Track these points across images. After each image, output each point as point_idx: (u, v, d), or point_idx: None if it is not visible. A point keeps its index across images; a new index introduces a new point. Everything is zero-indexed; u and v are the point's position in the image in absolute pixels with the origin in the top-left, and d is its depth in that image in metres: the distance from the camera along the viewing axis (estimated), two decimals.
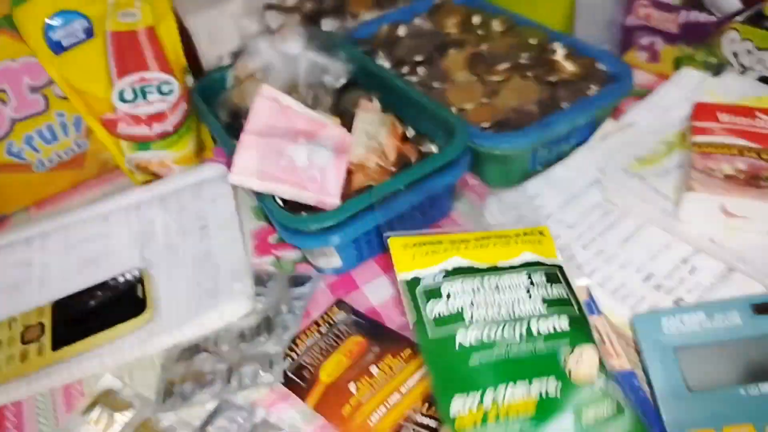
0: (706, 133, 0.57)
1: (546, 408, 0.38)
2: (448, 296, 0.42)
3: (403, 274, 0.43)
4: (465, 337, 0.40)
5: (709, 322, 0.43)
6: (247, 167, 0.53)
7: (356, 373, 0.48)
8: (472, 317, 0.40)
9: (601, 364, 0.41)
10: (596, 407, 0.39)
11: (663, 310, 0.45)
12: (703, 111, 0.59)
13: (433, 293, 0.42)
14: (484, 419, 0.37)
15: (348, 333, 0.52)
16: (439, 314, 0.41)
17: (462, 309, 0.40)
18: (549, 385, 0.39)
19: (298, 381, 0.49)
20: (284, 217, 0.52)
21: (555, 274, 0.46)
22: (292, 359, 0.51)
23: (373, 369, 0.48)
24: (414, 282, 0.42)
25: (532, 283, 0.44)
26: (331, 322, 0.53)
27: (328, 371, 0.49)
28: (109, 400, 0.51)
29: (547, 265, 0.46)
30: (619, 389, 0.41)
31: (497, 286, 0.43)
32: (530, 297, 0.43)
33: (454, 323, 0.40)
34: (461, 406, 0.37)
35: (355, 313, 0.54)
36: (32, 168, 0.71)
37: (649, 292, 0.50)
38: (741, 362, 0.42)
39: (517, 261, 0.45)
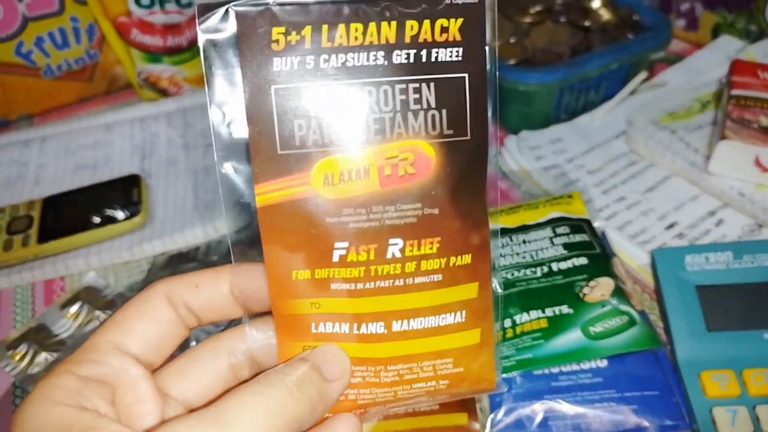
0: (744, 88, 0.54)
1: (557, 323, 0.39)
2: None
3: None
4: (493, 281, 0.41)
5: (737, 262, 0.40)
6: None
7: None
8: (500, 265, 0.43)
9: (617, 290, 0.40)
10: (606, 321, 0.39)
11: (687, 247, 0.42)
12: (742, 67, 0.56)
13: None
14: (503, 337, 0.39)
15: None
16: None
17: (492, 260, 0.42)
18: (562, 307, 0.40)
19: None
20: None
21: (580, 227, 0.46)
22: None
23: None
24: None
25: (555, 234, 0.45)
26: None
27: None
28: (90, 297, 0.49)
29: (572, 219, 0.46)
30: (635, 311, 0.38)
31: (524, 240, 0.45)
32: (553, 245, 0.44)
33: None
34: None
35: None
36: (40, 73, 0.68)
37: (671, 240, 0.47)
38: (767, 306, 0.39)
39: (543, 220, 0.47)
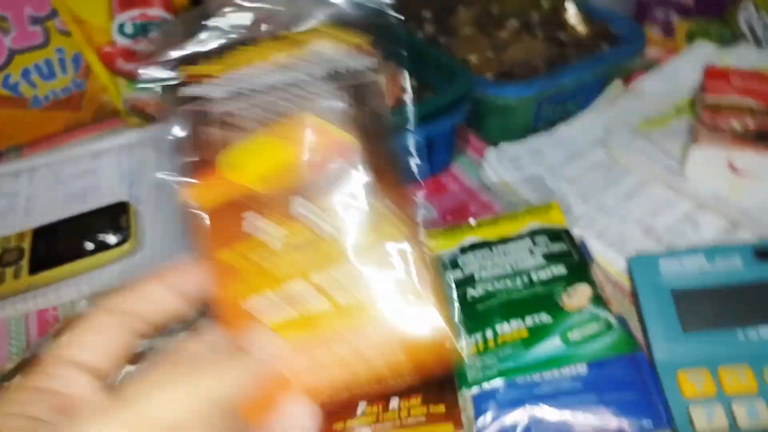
0: (717, 92, 0.55)
1: (537, 332, 0.40)
2: (463, 265, 0.46)
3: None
4: (474, 291, 0.44)
5: (710, 265, 0.41)
6: None
7: None
8: (480, 277, 0.45)
9: (595, 297, 0.41)
10: (584, 328, 0.40)
11: (662, 252, 0.43)
12: (715, 73, 0.57)
13: (451, 266, 0.47)
14: (485, 348, 0.40)
15: None
16: (456, 279, 0.46)
17: (473, 273, 0.45)
18: (542, 316, 0.41)
19: None
20: None
21: (559, 236, 0.47)
22: None
23: None
24: (436, 260, 0.47)
25: (534, 244, 0.46)
26: None
27: None
28: None
29: (551, 229, 0.47)
30: (612, 317, 0.40)
31: (504, 252, 0.46)
32: (532, 254, 0.45)
33: (467, 284, 0.45)
34: (465, 343, 0.41)
35: None
36: (28, 104, 0.69)
37: (649, 245, 0.48)
38: (740, 306, 0.40)
39: (523, 231, 0.48)
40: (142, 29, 0.64)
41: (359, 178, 0.27)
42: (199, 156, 0.27)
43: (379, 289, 0.26)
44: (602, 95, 0.62)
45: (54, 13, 0.64)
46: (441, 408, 0.37)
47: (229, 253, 0.26)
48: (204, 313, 0.27)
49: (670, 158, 0.54)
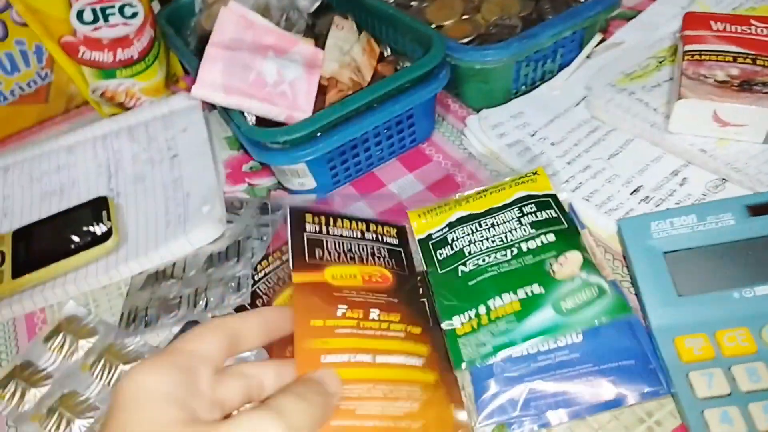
0: (697, 42, 0.54)
1: (530, 304, 0.40)
2: (452, 241, 0.46)
3: (419, 236, 0.48)
4: (465, 267, 0.44)
5: (701, 224, 0.41)
6: (212, 80, 0.50)
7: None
8: (470, 252, 0.45)
9: (586, 263, 0.41)
10: (576, 295, 0.39)
11: (651, 213, 0.43)
12: (694, 20, 0.56)
13: (441, 243, 0.47)
14: (479, 325, 0.40)
15: None
16: (446, 256, 0.46)
17: (462, 248, 0.45)
18: (534, 288, 0.41)
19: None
20: (252, 132, 0.49)
21: (547, 202, 0.46)
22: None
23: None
24: (427, 239, 0.48)
25: (522, 213, 0.46)
26: None
27: (281, 303, 0.47)
28: (72, 327, 0.49)
29: (538, 196, 0.46)
30: (605, 281, 0.39)
31: (492, 224, 0.46)
32: (520, 224, 0.45)
33: (457, 260, 0.45)
34: (459, 321, 0.41)
35: None
36: None
37: (637, 205, 0.48)
38: (734, 265, 0.39)
39: (510, 200, 0.47)
40: (102, 14, 0.61)
41: None
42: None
43: (408, 367, 0.39)
44: (582, 51, 0.61)
45: (8, 5, 0.62)
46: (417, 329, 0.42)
47: (322, 322, 0.39)
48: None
49: (654, 113, 0.53)
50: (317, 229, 0.46)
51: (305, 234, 0.45)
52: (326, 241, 0.45)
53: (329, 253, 0.44)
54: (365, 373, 0.37)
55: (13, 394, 0.46)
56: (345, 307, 0.40)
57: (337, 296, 0.41)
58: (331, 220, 0.47)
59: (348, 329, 0.39)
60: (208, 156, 0.59)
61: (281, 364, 0.35)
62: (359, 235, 0.47)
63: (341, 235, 0.46)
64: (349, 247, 0.45)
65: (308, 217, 0.46)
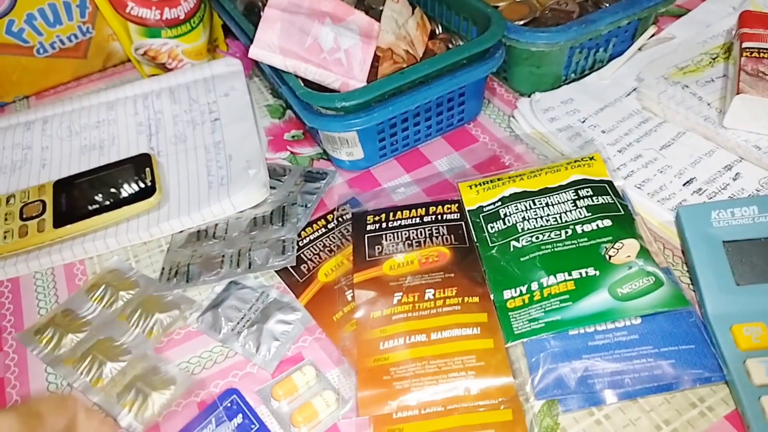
0: (755, 40, 0.54)
1: (584, 285, 0.40)
2: (505, 216, 0.46)
3: (470, 207, 0.48)
4: (518, 243, 0.44)
5: (763, 216, 0.41)
6: (270, 42, 0.50)
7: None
8: (524, 229, 0.45)
9: (643, 251, 0.40)
10: (633, 282, 0.39)
11: (712, 203, 0.43)
12: (751, 18, 0.56)
13: (493, 216, 0.47)
14: (531, 301, 0.40)
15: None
16: (498, 230, 0.46)
17: (515, 223, 0.45)
18: (589, 270, 0.40)
19: (295, 276, 0.47)
20: (309, 96, 0.48)
21: (603, 188, 0.46)
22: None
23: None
24: (478, 210, 0.47)
25: (578, 196, 0.45)
26: (340, 219, 0.51)
27: (326, 270, 0.47)
28: (114, 280, 0.48)
29: (594, 181, 0.46)
30: (661, 272, 0.39)
31: (546, 204, 0.46)
32: (576, 207, 0.45)
33: (509, 236, 0.45)
34: (510, 295, 0.42)
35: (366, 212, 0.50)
36: (33, 52, 0.66)
37: (690, 196, 0.48)
38: None
39: (565, 182, 0.47)
40: None
41: None
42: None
43: (464, 338, 0.40)
44: (635, 42, 0.60)
45: None
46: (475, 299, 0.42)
47: (380, 313, 0.43)
48: None
49: (708, 107, 0.53)
50: (377, 227, 0.48)
51: (366, 235, 0.47)
52: (385, 236, 0.47)
53: (388, 246, 0.46)
54: (420, 351, 0.39)
55: (51, 338, 0.45)
56: (400, 294, 0.43)
57: (393, 286, 0.43)
58: (390, 214, 0.48)
59: (404, 314, 0.41)
60: (251, 121, 0.59)
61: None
62: (418, 221, 0.48)
63: (400, 226, 0.48)
64: (407, 236, 0.47)
65: (369, 218, 0.48)
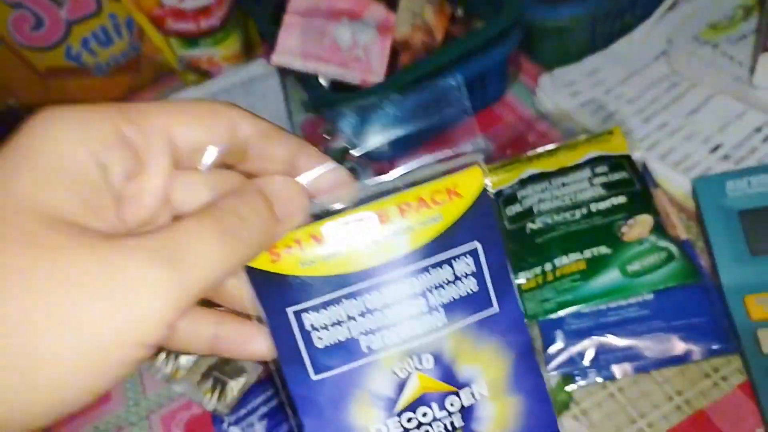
0: None
1: (596, 264, 0.41)
2: (522, 198, 0.47)
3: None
4: (533, 225, 0.45)
5: None
6: (291, 47, 0.52)
7: None
8: (540, 210, 0.45)
9: (656, 226, 0.40)
10: (644, 259, 0.40)
11: (728, 172, 0.42)
12: None
13: (510, 200, 0.47)
14: (543, 282, 0.41)
15: None
16: (515, 213, 0.46)
17: (531, 206, 0.46)
18: (601, 249, 0.41)
19: None
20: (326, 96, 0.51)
21: (620, 164, 0.46)
22: None
23: None
24: (497, 195, 0.49)
25: (594, 174, 0.45)
26: None
27: None
28: None
29: (612, 157, 0.46)
30: (674, 246, 0.39)
31: (563, 183, 0.46)
32: (591, 185, 0.45)
33: (525, 217, 0.45)
34: (524, 277, 0.42)
35: None
36: (92, 72, 0.72)
37: (716, 163, 0.47)
38: None
39: (582, 160, 0.47)
40: None
41: None
42: None
43: None
44: (663, 3, 0.59)
45: None
46: None
47: None
48: None
49: (739, 67, 0.51)
50: None
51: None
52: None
53: None
54: None
55: None
56: None
57: None
58: None
59: None
60: (285, 121, 0.62)
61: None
62: None
63: None
64: None
65: None
